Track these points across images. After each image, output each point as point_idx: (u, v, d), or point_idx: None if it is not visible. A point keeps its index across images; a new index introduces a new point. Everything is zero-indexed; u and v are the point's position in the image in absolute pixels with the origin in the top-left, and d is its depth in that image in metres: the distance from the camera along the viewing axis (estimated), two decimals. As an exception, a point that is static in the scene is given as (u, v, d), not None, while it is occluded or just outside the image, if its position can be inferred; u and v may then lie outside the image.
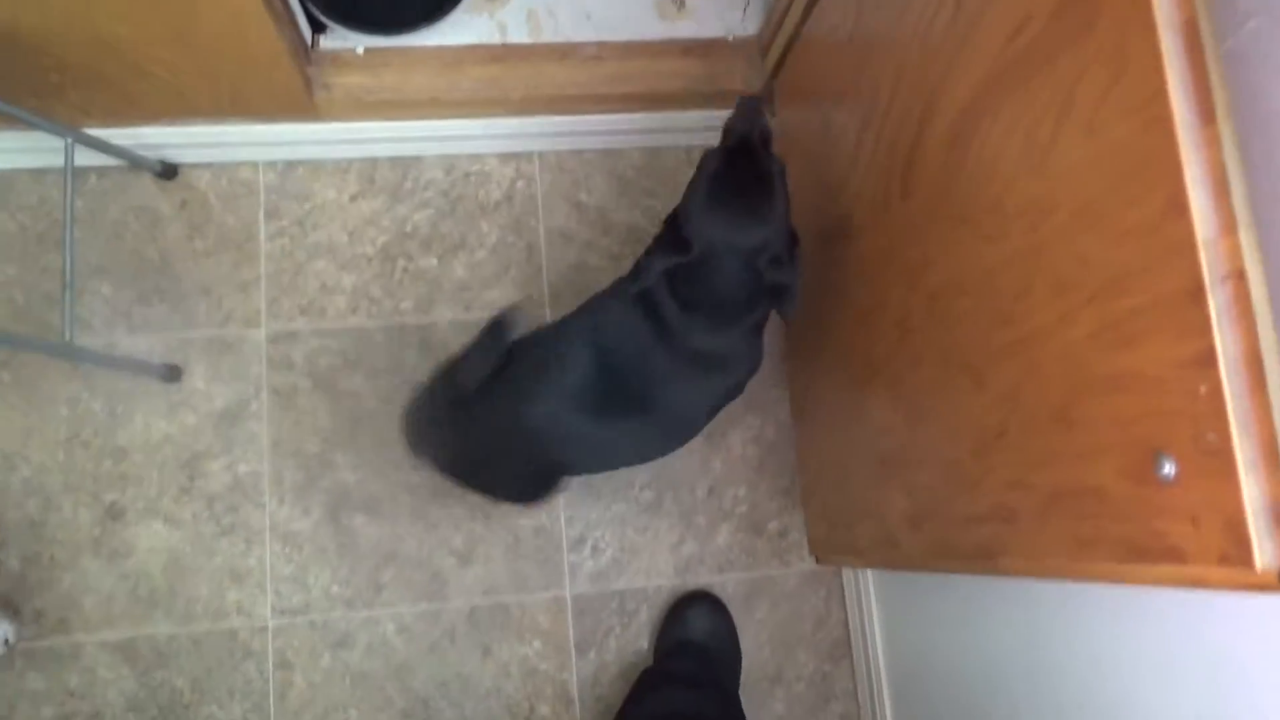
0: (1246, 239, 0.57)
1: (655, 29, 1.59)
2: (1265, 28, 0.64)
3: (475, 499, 1.59)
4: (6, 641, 1.41)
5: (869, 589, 1.53)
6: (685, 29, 1.60)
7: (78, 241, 1.59)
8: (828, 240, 1.27)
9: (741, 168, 1.05)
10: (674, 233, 1.09)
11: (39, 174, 1.62)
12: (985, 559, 0.89)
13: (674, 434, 1.28)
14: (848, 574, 1.60)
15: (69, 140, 1.41)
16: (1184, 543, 0.60)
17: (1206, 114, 0.59)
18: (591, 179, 1.72)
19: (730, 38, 1.61)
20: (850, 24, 1.16)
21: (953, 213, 0.91)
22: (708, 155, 1.09)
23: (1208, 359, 0.58)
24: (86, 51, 1.30)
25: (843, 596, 1.63)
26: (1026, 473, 0.80)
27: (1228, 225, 0.58)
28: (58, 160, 1.39)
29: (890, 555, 1.13)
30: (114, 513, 1.55)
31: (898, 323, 1.05)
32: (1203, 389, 0.58)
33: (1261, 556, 0.54)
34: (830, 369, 1.30)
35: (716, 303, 1.08)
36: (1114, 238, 0.66)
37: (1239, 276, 0.57)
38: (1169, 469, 0.61)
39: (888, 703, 1.51)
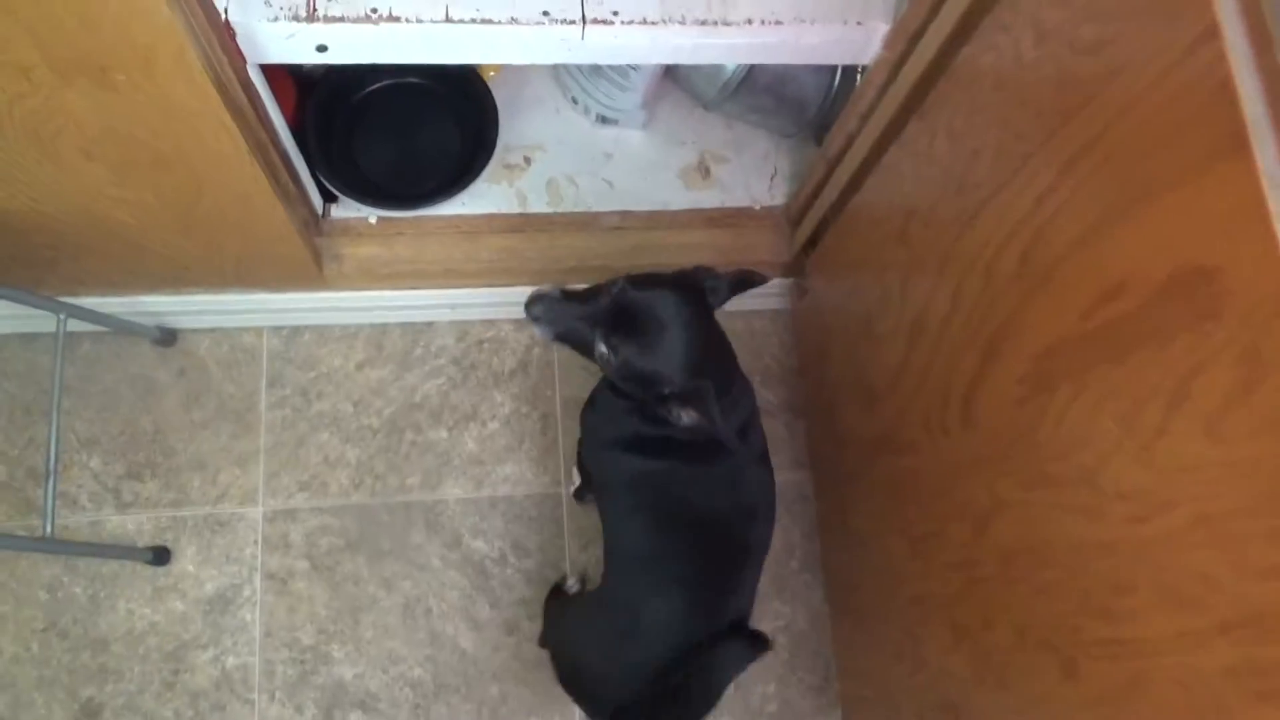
0: None
1: (679, 198, 1.53)
2: None
3: (484, 695, 1.47)
4: None
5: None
6: (710, 198, 1.55)
7: (67, 411, 1.51)
8: (871, 444, 1.18)
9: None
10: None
11: (29, 339, 1.54)
12: None
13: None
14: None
15: (61, 315, 1.34)
16: None
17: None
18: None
19: (757, 207, 1.55)
20: (900, 222, 1.10)
21: (1030, 467, 0.82)
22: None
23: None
24: (86, 235, 1.24)
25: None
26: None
27: None
28: (49, 325, 1.31)
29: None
30: (90, 710, 1.43)
31: (960, 567, 0.96)
32: None
33: None
34: (875, 582, 1.19)
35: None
36: (1255, 570, 0.57)
37: None
38: None
39: None
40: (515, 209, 1.49)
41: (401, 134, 1.48)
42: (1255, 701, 0.57)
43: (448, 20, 1.04)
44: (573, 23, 1.06)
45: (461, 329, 1.62)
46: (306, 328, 1.59)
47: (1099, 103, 0.70)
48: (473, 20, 1.04)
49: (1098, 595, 0.73)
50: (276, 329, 1.59)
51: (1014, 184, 0.83)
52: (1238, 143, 0.57)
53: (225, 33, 0.98)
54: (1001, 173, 0.85)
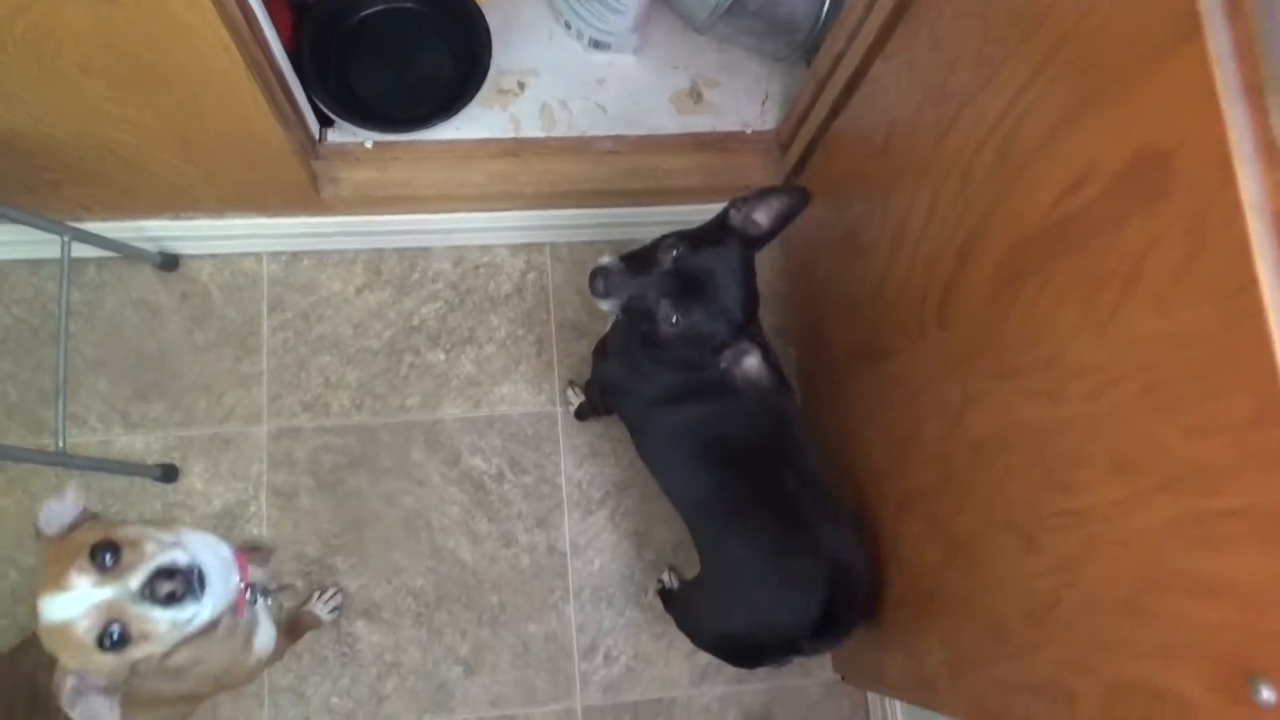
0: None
1: (671, 123, 1.55)
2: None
3: (483, 604, 1.53)
4: None
5: (895, 710, 1.47)
6: (702, 123, 1.57)
7: (74, 336, 1.55)
8: (854, 355, 1.22)
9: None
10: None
11: (35, 265, 1.57)
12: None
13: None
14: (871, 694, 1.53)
15: (65, 238, 1.37)
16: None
17: (1306, 316, 0.54)
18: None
19: (748, 130, 1.57)
20: (882, 135, 1.13)
21: (999, 360, 0.86)
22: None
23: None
24: (87, 155, 1.26)
25: (867, 712, 1.56)
26: (1087, 654, 0.75)
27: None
28: (55, 251, 1.34)
29: (925, 696, 1.07)
30: (105, 620, 1.48)
31: (935, 461, 1.00)
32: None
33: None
34: (859, 489, 1.24)
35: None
36: (1195, 429, 0.61)
37: (1350, 500, 0.52)
38: (1268, 695, 0.56)
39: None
40: (509, 133, 1.52)
41: (396, 59, 1.50)
42: (1194, 548, 0.62)
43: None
44: (563, -63, 1.07)
45: (458, 254, 1.65)
46: (305, 253, 1.62)
47: (1068, 2, 0.73)
48: (464, -66, 1.06)
49: (1058, 471, 0.77)
50: (276, 254, 1.62)
51: (990, 86, 0.86)
52: (1191, 27, 0.60)
53: (221, -56, 1.00)
54: (979, 76, 0.88)
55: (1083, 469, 0.74)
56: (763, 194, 1.04)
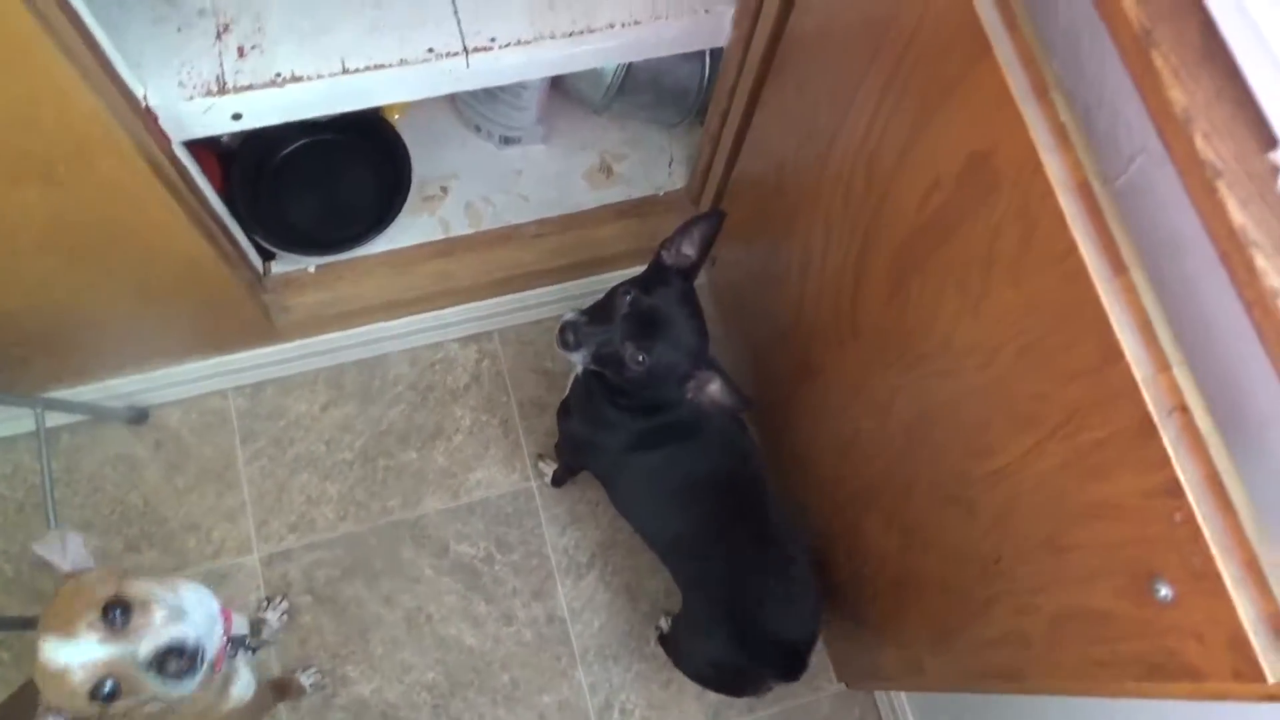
0: (1182, 374, 0.62)
1: (589, 198, 1.67)
2: (1147, 165, 0.70)
3: (496, 684, 1.57)
4: None
5: (904, 705, 1.53)
6: (617, 193, 1.68)
7: (58, 501, 1.59)
8: (791, 379, 1.32)
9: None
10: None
11: (9, 442, 1.63)
12: (1009, 680, 0.90)
13: None
14: (880, 695, 1.59)
15: (39, 409, 1.43)
16: (1197, 660, 0.63)
17: (1117, 266, 0.64)
18: (553, 346, 1.77)
19: (661, 193, 1.69)
20: (774, 177, 1.24)
21: (906, 352, 0.96)
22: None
23: (1174, 489, 0.61)
24: (48, 322, 1.34)
25: (878, 714, 1.62)
26: (1029, 597, 0.83)
27: (1161, 364, 0.62)
28: (27, 425, 1.40)
29: (918, 680, 1.14)
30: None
31: (877, 456, 1.09)
32: (1177, 516, 0.61)
33: (1272, 671, 0.57)
34: (818, 496, 1.32)
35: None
36: (1062, 378, 0.71)
37: (1183, 410, 0.61)
38: (1165, 591, 0.64)
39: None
40: (440, 235, 1.62)
41: (324, 186, 1.60)
42: (1086, 481, 0.71)
43: (345, 72, 1.16)
44: (456, 54, 1.19)
45: (412, 355, 1.74)
46: (268, 381, 1.70)
47: (892, 35, 0.85)
48: (367, 68, 1.17)
49: (973, 439, 0.87)
50: (240, 388, 1.69)
51: (849, 118, 0.97)
52: (982, 44, 0.71)
53: (148, 117, 1.10)
54: (838, 111, 0.99)
55: (991, 432, 0.84)
56: (684, 227, 1.15)
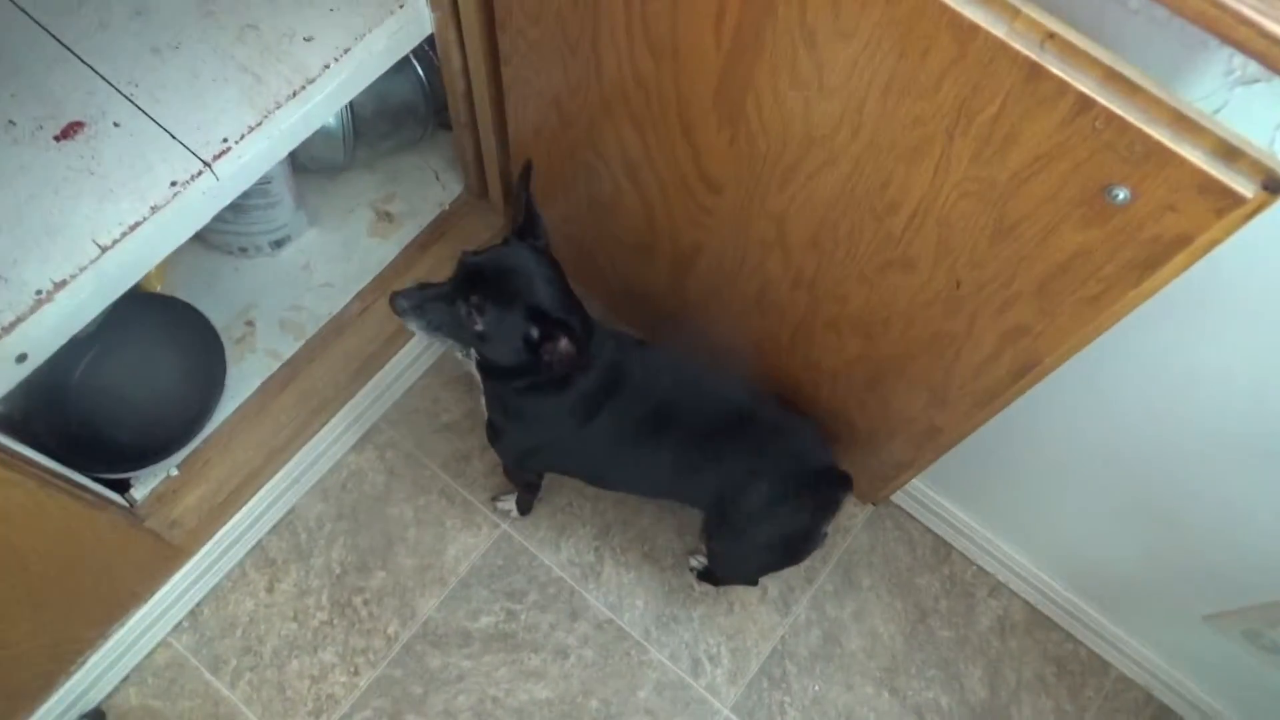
0: (1032, 10, 0.67)
1: (388, 249, 1.61)
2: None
3: (592, 713, 1.54)
4: None
5: (925, 491, 1.61)
6: (408, 231, 1.63)
7: None
8: (676, 276, 1.33)
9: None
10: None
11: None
12: (1024, 376, 0.96)
13: None
14: (899, 497, 1.66)
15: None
16: (1180, 226, 0.69)
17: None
18: (440, 399, 1.71)
19: (447, 206, 1.66)
20: (555, 113, 1.23)
21: (775, 175, 0.99)
22: None
23: (1082, 103, 0.67)
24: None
25: (908, 516, 1.69)
26: (1004, 291, 0.88)
27: (1012, 13, 0.67)
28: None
29: (939, 442, 1.19)
30: None
31: (795, 285, 1.12)
32: (1098, 124, 0.67)
33: (1245, 189, 0.64)
34: (766, 362, 1.35)
35: None
36: (931, 87, 0.75)
37: (1051, 36, 0.67)
38: (1122, 194, 0.70)
39: (1006, 548, 1.59)
40: (276, 364, 1.52)
41: (133, 389, 1.46)
42: (1002, 155, 0.76)
43: (104, 249, 1.06)
44: (199, 173, 1.11)
45: (320, 490, 1.64)
46: (201, 602, 1.56)
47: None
48: (123, 234, 1.07)
49: (877, 202, 0.91)
50: (177, 628, 1.54)
51: (604, 8, 0.97)
52: None
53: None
54: (585, 7, 1.00)
55: (892, 185, 0.88)
56: (515, 195, 1.11)
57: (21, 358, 1.05)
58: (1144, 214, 0.71)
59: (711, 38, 0.89)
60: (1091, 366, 1.01)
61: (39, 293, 1.04)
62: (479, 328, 1.08)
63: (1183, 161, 0.65)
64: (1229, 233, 0.68)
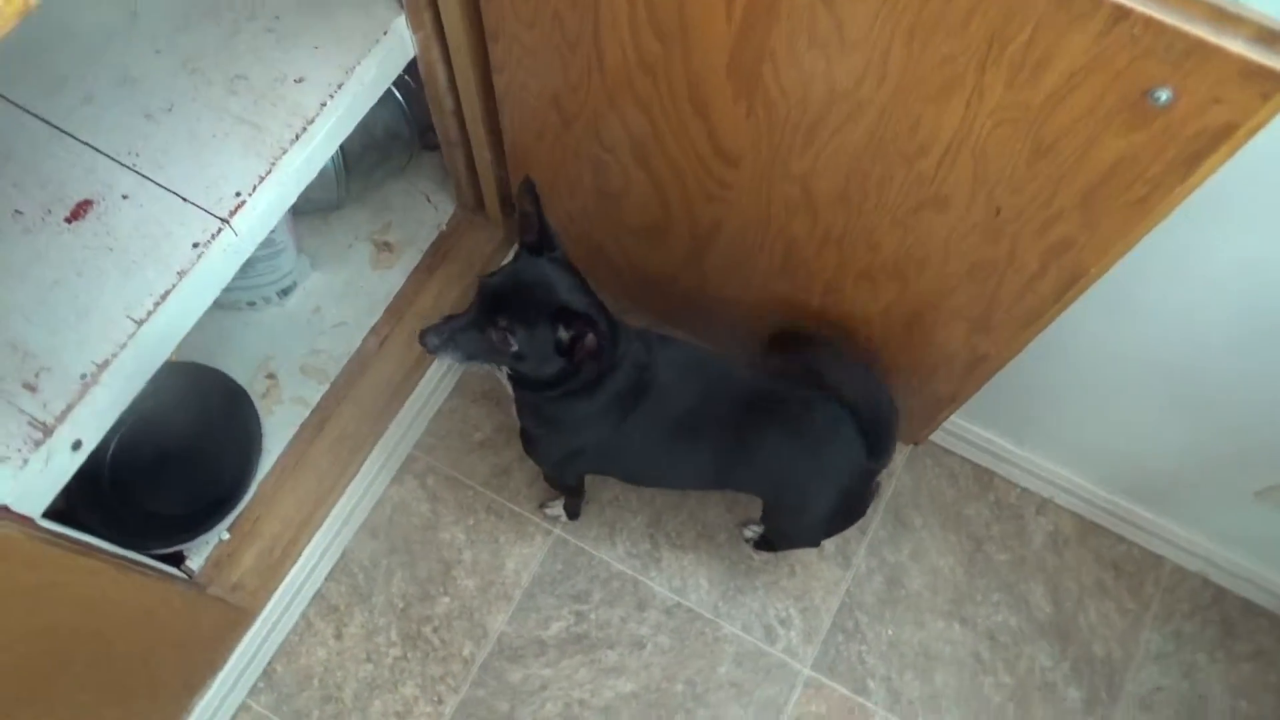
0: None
1: (395, 278, 1.61)
2: None
3: (679, 700, 1.55)
4: None
5: (957, 423, 1.64)
6: (410, 259, 1.63)
7: None
8: (697, 252, 1.34)
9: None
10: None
11: None
12: (1070, 289, 0.99)
13: None
14: (940, 437, 1.69)
15: None
16: (1226, 116, 0.71)
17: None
18: (469, 418, 1.71)
19: (445, 228, 1.65)
20: (555, 112, 1.23)
21: (796, 135, 1.00)
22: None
23: (1119, 13, 0.69)
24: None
25: (944, 451, 1.72)
26: (1045, 211, 0.90)
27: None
28: None
29: (983, 369, 1.21)
30: None
31: (823, 243, 1.14)
32: (1136, 30, 0.69)
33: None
34: (805, 324, 1.36)
35: None
36: (960, 24, 0.77)
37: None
38: (1164, 95, 0.72)
39: (1047, 464, 1.63)
40: (306, 411, 1.51)
41: (172, 462, 1.45)
42: (1036, 79, 0.78)
43: (138, 323, 1.05)
44: (219, 230, 1.10)
45: (369, 528, 1.63)
46: (273, 660, 1.55)
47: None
48: (155, 305, 1.06)
49: (907, 146, 0.92)
50: (254, 690, 1.53)
51: (604, 1, 0.98)
52: None
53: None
54: (585, 4, 1.00)
55: (922, 127, 0.90)
56: (522, 214, 1.11)
57: (77, 444, 1.04)
58: (1188, 111, 0.73)
59: (722, 11, 0.90)
60: (1118, 276, 1.04)
61: (84, 376, 1.03)
62: (515, 349, 1.08)
63: (1226, 54, 0.67)
64: (1275, 114, 0.70)
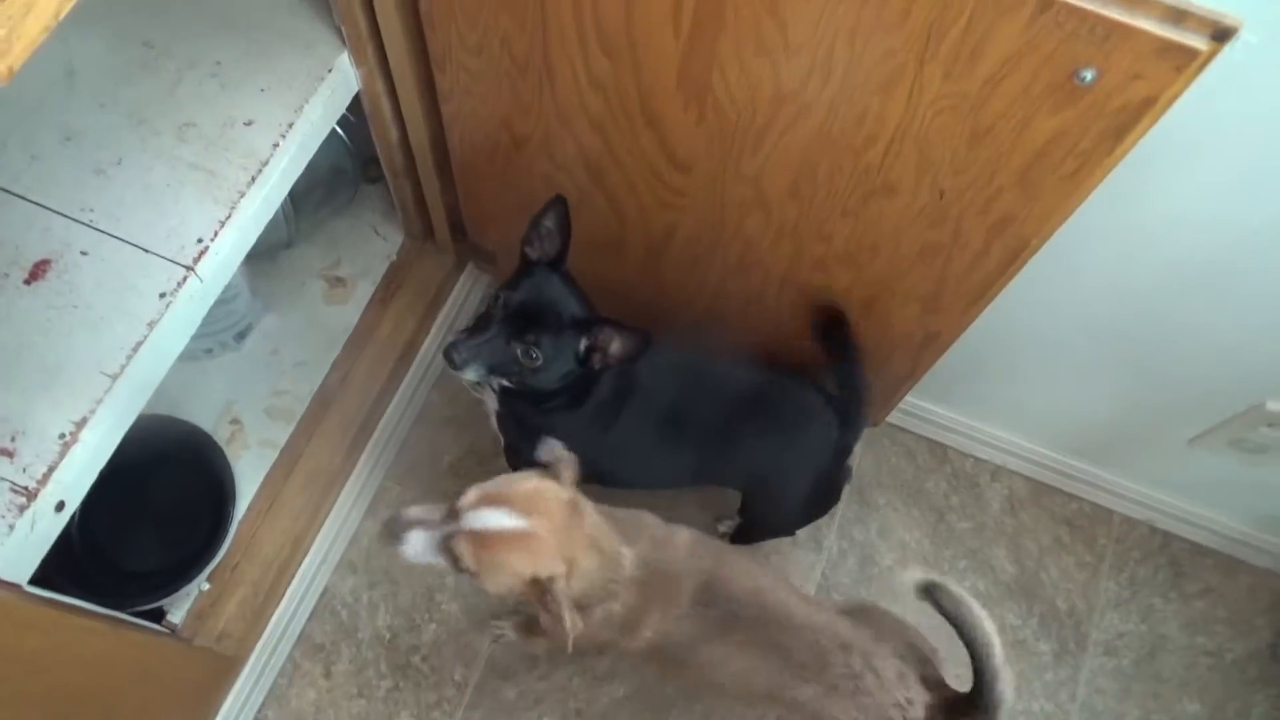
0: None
1: (349, 314, 1.62)
2: None
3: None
4: None
5: (910, 401, 1.70)
6: (364, 290, 1.64)
7: None
8: (650, 267, 1.38)
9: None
10: None
11: None
12: (1014, 261, 1.05)
13: None
14: (895, 416, 1.75)
15: None
16: (1146, 91, 0.79)
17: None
18: (436, 443, 1.72)
19: (395, 257, 1.67)
20: (506, 135, 1.26)
21: (746, 137, 1.05)
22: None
23: (1042, 4, 0.75)
24: None
25: (899, 430, 1.79)
26: (986, 189, 0.96)
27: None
28: None
29: (935, 347, 1.28)
30: None
31: (778, 236, 1.19)
32: (1059, 18, 0.76)
33: (1197, 43, 0.73)
34: (760, 319, 1.40)
35: None
36: (898, 20, 0.83)
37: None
38: (1088, 74, 0.79)
39: (996, 431, 1.71)
40: (274, 453, 1.51)
41: (144, 517, 1.43)
42: (972, 67, 0.84)
43: (113, 377, 1.05)
44: (184, 278, 1.10)
45: (346, 564, 1.63)
46: (261, 707, 1.53)
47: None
48: (127, 358, 1.06)
49: (854, 139, 0.98)
50: (248, 736, 1.52)
51: (546, 10, 1.01)
52: None
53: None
54: (533, 27, 1.04)
55: (867, 119, 0.95)
56: (533, 221, 1.16)
57: (60, 506, 1.03)
58: (1111, 87, 0.80)
59: (670, 26, 0.95)
60: (1055, 244, 1.11)
61: (62, 436, 1.02)
62: (538, 363, 1.12)
63: (1141, 33, 0.74)
64: (1188, 85, 0.78)
